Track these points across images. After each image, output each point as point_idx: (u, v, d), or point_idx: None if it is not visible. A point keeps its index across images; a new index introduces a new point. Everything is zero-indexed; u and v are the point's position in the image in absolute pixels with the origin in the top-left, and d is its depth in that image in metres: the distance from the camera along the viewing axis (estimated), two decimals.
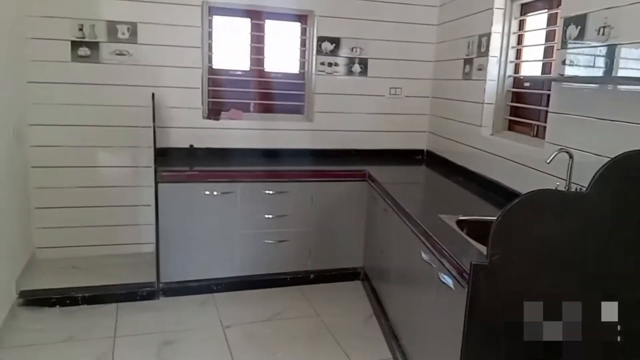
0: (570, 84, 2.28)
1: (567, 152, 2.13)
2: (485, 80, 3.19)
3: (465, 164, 3.42)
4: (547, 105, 2.78)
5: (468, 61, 3.45)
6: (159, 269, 3.22)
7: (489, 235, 1.62)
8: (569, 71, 2.26)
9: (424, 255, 2.26)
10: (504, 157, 2.92)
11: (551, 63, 2.78)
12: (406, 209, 2.55)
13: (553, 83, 2.42)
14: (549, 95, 2.77)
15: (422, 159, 4.15)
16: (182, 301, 3.24)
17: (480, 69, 3.27)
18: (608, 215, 1.64)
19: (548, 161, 2.10)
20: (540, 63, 2.89)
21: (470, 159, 3.35)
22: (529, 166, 2.63)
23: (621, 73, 1.94)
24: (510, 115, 3.18)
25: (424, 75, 4.07)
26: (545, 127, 2.80)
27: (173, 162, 3.46)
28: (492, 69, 3.17)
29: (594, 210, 1.63)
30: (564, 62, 2.31)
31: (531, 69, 3.06)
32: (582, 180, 2.12)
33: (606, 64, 2.01)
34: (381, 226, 3.19)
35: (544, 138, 2.76)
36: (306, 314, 3.17)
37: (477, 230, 2.37)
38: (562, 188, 2.16)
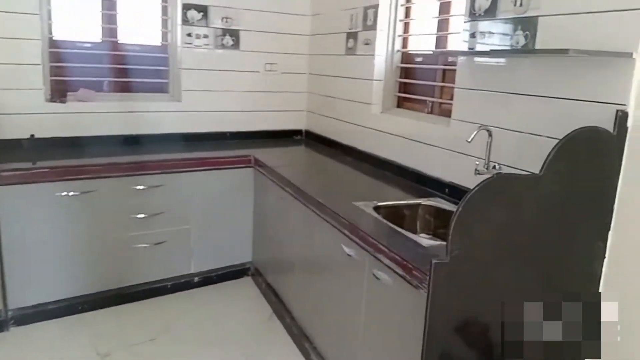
0: (481, 58, 2.20)
1: (487, 130, 2.05)
2: (373, 55, 3.03)
3: (353, 143, 3.26)
4: (442, 81, 2.73)
5: (352, 35, 3.26)
6: (6, 294, 2.55)
7: (449, 228, 1.43)
8: (480, 45, 2.18)
9: (346, 249, 2.04)
10: (400, 136, 2.80)
11: (446, 37, 2.72)
12: (316, 198, 2.30)
13: (460, 58, 2.33)
14: (443, 71, 2.73)
15: (301, 139, 3.92)
16: (41, 329, 2.62)
17: (367, 44, 3.10)
18: (562, 196, 1.56)
19: (469, 140, 1.99)
20: (433, 37, 2.81)
21: (359, 138, 3.20)
22: (431, 144, 2.54)
23: (540, 45, 1.89)
24: (399, 92, 3.09)
25: (301, 50, 3.81)
26: (440, 104, 2.75)
27: (9, 157, 2.76)
28: (380, 44, 3.02)
29: (549, 192, 1.53)
30: (473, 35, 2.22)
31: (421, 43, 2.97)
32: (496, 157, 2.06)
33: (526, 36, 1.94)
34: (276, 216, 2.90)
35: (440, 115, 2.71)
36: (198, 321, 2.78)
37: (395, 217, 2.22)
38: (482, 167, 2.08)
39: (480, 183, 1.43)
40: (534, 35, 1.92)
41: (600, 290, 1.70)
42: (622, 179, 1.62)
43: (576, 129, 1.52)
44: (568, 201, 1.57)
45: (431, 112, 2.80)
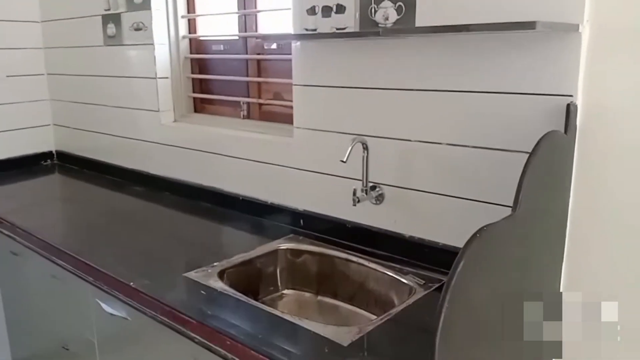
0: (332, 41, 1.61)
1: (361, 143, 1.48)
2: (152, 44, 2.19)
3: (140, 166, 2.38)
4: (258, 75, 2.08)
5: (112, 18, 2.34)
6: None
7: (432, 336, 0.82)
8: (325, 24, 1.58)
9: None
10: (214, 153, 2.06)
11: (255, 16, 2.05)
12: (117, 277, 1.43)
13: (298, 44, 1.70)
14: (258, 62, 2.07)
15: (51, 164, 2.82)
16: None
17: (138, 29, 2.24)
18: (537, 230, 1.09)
19: (345, 158, 1.40)
20: (235, 17, 2.11)
21: (147, 157, 2.34)
22: (266, 162, 1.88)
23: (422, 22, 1.38)
24: (196, 92, 2.32)
25: (30, 43, 2.68)
26: (260, 106, 2.09)
27: None
28: (159, 29, 2.20)
29: (527, 229, 1.05)
30: (312, 11, 1.61)
31: (217, 26, 2.24)
32: (374, 175, 1.53)
33: (399, 9, 1.41)
34: (42, 304, 1.88)
35: (262, 119, 2.06)
36: None
37: (255, 281, 1.53)
38: (360, 192, 1.52)
39: (468, 244, 0.85)
40: (411, 6, 1.40)
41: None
42: (573, 193, 1.23)
43: (543, 138, 1.05)
44: (544, 233, 1.12)
45: (248, 117, 2.12)
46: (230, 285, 1.38)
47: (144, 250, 1.64)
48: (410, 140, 1.47)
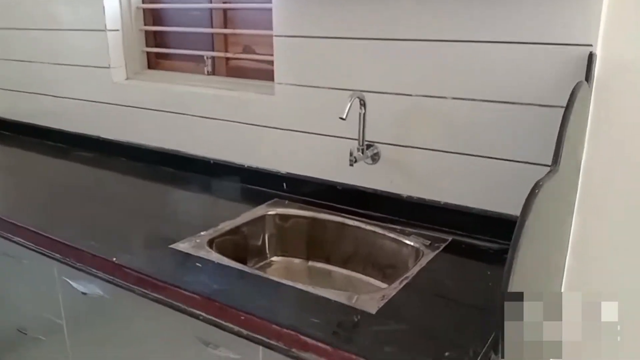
0: None
1: (359, 98, 1.38)
2: None
3: (90, 130, 2.15)
4: (224, 25, 1.90)
5: None
6: None
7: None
8: None
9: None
10: (178, 113, 1.89)
11: None
12: (92, 252, 1.26)
13: None
14: (224, 12, 1.89)
15: None
16: None
17: None
18: (566, 187, 1.05)
19: (344, 115, 1.30)
20: None
21: (98, 120, 2.11)
22: (244, 122, 1.74)
23: None
24: (148, 46, 2.11)
25: None
26: (228, 60, 1.93)
27: None
28: None
29: (563, 187, 1.01)
30: None
31: None
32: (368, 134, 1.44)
33: None
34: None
35: (234, 75, 1.90)
36: None
37: (232, 247, 1.42)
38: (356, 152, 1.43)
39: (528, 203, 0.79)
40: None
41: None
42: (587, 149, 1.21)
43: (576, 89, 1.00)
44: None
45: (213, 73, 1.95)
46: (223, 254, 1.26)
47: (113, 223, 1.47)
48: (410, 95, 1.38)
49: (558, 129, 1.16)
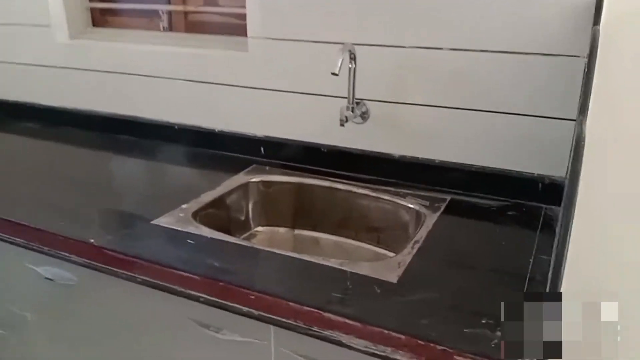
0: None
1: (349, 51, 1.27)
2: None
3: (29, 97, 1.92)
4: None
5: None
6: None
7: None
8: None
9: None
10: (129, 74, 1.71)
11: None
12: (63, 235, 1.11)
13: None
14: None
15: None
16: None
17: None
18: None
19: (337, 70, 1.19)
20: None
21: (39, 86, 1.89)
22: (213, 82, 1.59)
23: None
24: (92, 1, 1.88)
25: None
26: (186, 14, 1.75)
27: None
28: None
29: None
30: None
31: None
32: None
33: None
34: None
35: (191, 31, 1.73)
36: None
37: (215, 220, 1.32)
38: (346, 111, 1.33)
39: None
40: None
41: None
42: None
43: (594, 30, 0.95)
44: None
45: (170, 29, 1.77)
46: (210, 226, 1.15)
47: (79, 202, 1.31)
48: (403, 47, 1.29)
49: (563, 79, 1.13)
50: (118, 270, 1.06)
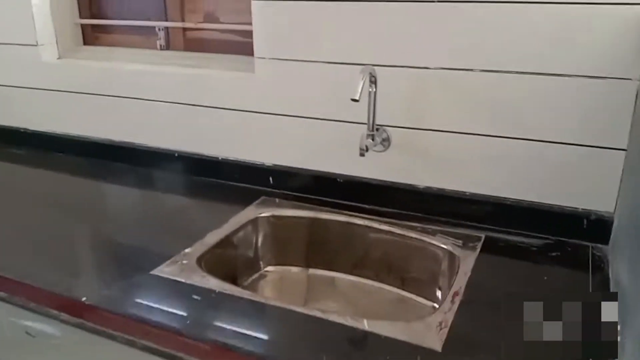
0: None
1: (370, 74, 1.14)
2: None
3: (14, 121, 1.78)
4: None
5: None
6: None
7: None
8: None
9: None
10: (123, 97, 1.57)
11: None
12: (53, 291, 0.97)
13: None
14: None
15: None
16: None
17: None
18: None
19: (357, 96, 1.06)
20: None
21: (25, 109, 1.75)
22: (207, 105, 1.46)
23: None
24: (82, 17, 1.75)
25: None
26: (185, 31, 1.62)
27: None
28: None
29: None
30: None
31: None
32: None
33: None
34: None
35: (186, 50, 1.60)
36: None
37: (221, 263, 1.18)
38: (367, 138, 1.20)
39: None
40: None
41: None
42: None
43: None
44: None
45: (167, 47, 1.64)
46: (215, 276, 1.01)
47: (68, 243, 1.17)
48: (428, 68, 1.17)
49: (612, 104, 1.00)
50: (116, 333, 0.91)
